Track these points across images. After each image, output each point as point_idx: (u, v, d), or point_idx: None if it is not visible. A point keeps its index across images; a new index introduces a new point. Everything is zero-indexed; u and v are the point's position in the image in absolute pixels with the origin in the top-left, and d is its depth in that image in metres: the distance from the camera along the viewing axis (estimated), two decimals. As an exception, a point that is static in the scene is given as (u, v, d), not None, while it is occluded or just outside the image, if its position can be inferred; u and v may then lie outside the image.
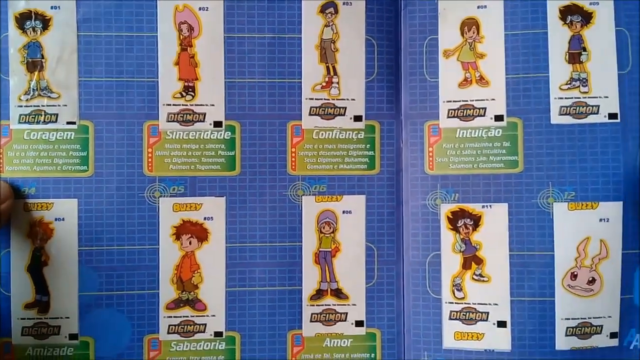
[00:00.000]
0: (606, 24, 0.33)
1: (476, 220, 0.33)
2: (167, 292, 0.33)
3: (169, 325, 0.33)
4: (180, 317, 0.33)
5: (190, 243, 0.33)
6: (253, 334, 0.33)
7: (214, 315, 0.33)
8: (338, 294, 0.34)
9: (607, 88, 0.32)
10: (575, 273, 0.32)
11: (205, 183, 0.33)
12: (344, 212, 0.34)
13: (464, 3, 0.34)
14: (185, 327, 0.33)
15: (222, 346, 0.33)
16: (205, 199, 0.33)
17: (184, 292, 0.33)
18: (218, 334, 0.33)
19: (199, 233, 0.33)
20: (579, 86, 0.33)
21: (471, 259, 0.33)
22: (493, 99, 0.33)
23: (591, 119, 0.32)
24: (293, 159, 0.33)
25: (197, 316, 0.33)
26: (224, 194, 0.33)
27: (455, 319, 0.33)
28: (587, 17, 0.33)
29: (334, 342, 0.34)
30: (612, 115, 0.32)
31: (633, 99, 0.32)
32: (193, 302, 0.33)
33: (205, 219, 0.33)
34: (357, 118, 0.34)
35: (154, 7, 0.33)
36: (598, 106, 0.32)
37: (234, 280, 0.33)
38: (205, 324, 0.33)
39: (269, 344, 0.33)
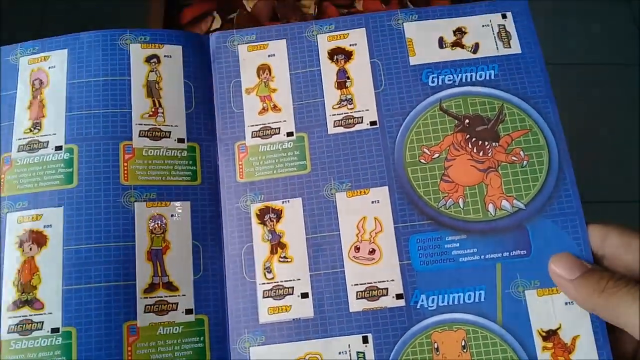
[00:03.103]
0: (362, 58, 0.44)
1: (279, 214, 0.41)
2: (9, 294, 0.37)
3: (9, 326, 0.37)
4: (19, 316, 0.37)
5: (30, 249, 0.38)
6: (89, 327, 0.37)
7: (50, 313, 0.37)
8: (169, 286, 0.39)
9: (367, 104, 0.42)
10: (358, 246, 0.40)
11: (46, 197, 0.39)
12: (172, 215, 0.41)
13: (258, 53, 0.44)
14: (24, 325, 0.37)
15: (58, 341, 0.37)
16: (44, 210, 0.39)
17: (24, 294, 0.37)
18: (55, 330, 0.37)
19: (38, 240, 0.38)
20: (346, 105, 0.43)
21: (277, 245, 0.40)
22: (285, 121, 0.43)
23: (357, 127, 0.42)
24: (125, 172, 0.40)
25: (34, 314, 0.37)
26: (62, 204, 0.39)
27: (268, 297, 0.39)
28: (348, 55, 0.44)
29: (166, 329, 0.38)
30: (372, 123, 0.42)
31: (387, 109, 0.42)
32: (31, 302, 0.37)
33: (44, 227, 0.39)
34: (180, 140, 0.42)
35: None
36: (362, 117, 0.42)
37: (70, 279, 0.38)
38: (43, 322, 0.37)
39: (105, 336, 0.37)
